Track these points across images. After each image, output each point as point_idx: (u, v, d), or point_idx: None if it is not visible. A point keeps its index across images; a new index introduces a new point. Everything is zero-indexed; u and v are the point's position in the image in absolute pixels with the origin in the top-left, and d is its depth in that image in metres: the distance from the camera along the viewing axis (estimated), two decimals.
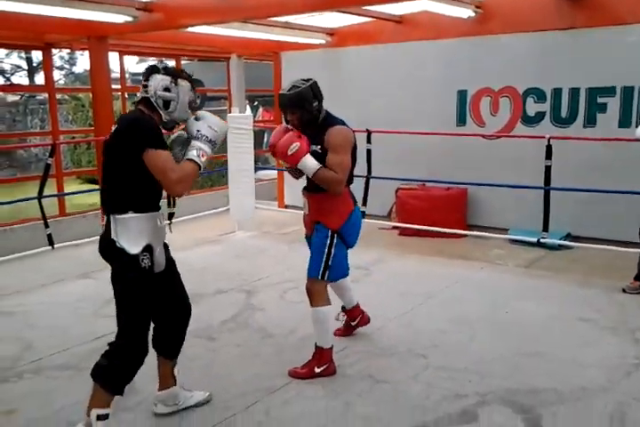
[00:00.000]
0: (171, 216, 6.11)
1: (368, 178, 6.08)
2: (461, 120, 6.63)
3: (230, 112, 7.00)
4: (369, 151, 6.05)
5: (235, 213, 6.74)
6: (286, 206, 7.98)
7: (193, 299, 4.49)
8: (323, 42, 7.35)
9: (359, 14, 6.42)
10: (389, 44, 6.93)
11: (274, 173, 8.72)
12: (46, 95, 7.06)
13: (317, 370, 3.28)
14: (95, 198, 6.69)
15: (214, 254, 5.98)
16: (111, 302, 3.77)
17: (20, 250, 5.41)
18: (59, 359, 3.52)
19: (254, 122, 6.97)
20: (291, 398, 3.07)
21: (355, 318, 3.84)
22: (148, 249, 2.60)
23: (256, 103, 13.63)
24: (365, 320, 3.87)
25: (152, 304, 2.70)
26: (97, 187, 6.55)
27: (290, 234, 6.69)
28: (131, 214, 2.55)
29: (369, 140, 6.07)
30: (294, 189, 7.91)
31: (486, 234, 6.03)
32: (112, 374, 2.61)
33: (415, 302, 4.45)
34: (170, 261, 2.89)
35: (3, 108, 14.54)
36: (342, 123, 3.38)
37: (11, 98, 15.30)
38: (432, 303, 4.46)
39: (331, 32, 7.32)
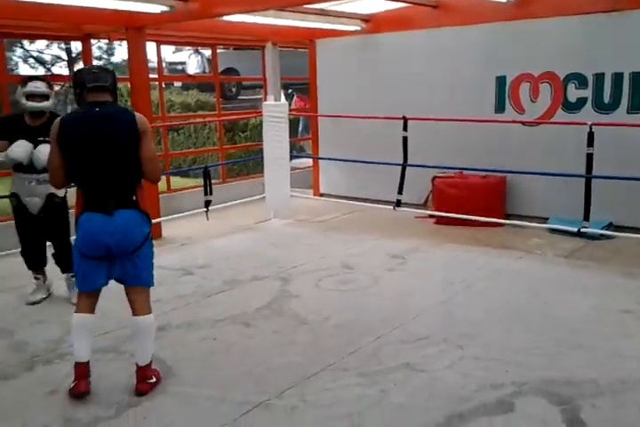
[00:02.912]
0: (208, 204, 6.25)
1: (404, 166, 6.03)
2: (500, 107, 6.49)
3: (265, 100, 7.01)
4: (405, 139, 6.00)
5: (270, 201, 6.78)
6: (321, 195, 7.99)
7: (230, 285, 4.65)
8: (358, 28, 7.28)
9: (396, 0, 6.34)
10: (426, 29, 6.82)
11: (309, 162, 8.73)
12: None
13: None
14: None
15: (250, 242, 6.03)
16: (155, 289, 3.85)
17: None
18: (100, 342, 3.60)
19: (289, 110, 6.96)
20: (326, 385, 3.09)
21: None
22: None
23: (290, 91, 13.61)
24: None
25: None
26: None
27: (325, 222, 6.71)
28: None
29: (405, 128, 6.01)
30: (330, 178, 7.94)
31: (525, 223, 5.93)
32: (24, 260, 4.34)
33: (452, 292, 4.42)
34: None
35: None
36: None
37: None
38: (469, 293, 4.41)
39: (366, 18, 7.24)
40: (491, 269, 4.92)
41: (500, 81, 6.48)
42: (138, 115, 3.03)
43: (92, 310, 3.06)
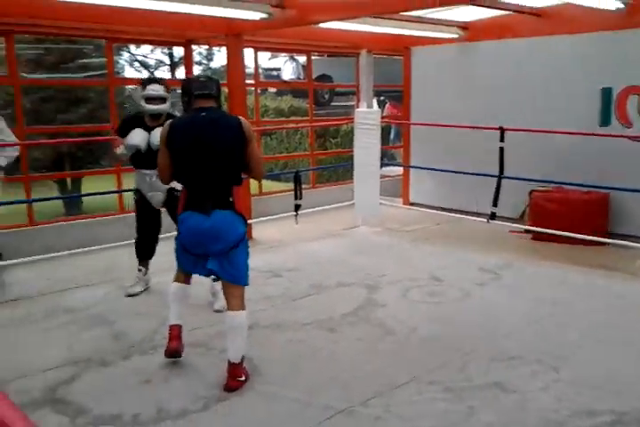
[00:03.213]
0: (297, 208, 6.32)
1: (500, 178, 5.86)
2: (605, 120, 6.17)
3: (358, 107, 7.02)
4: (502, 150, 5.83)
5: (359, 209, 6.77)
6: (411, 204, 7.90)
7: (316, 289, 4.68)
8: (455, 36, 7.16)
9: (495, 7, 6.18)
10: (528, 38, 6.61)
11: (399, 170, 8.66)
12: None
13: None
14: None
15: (338, 248, 6.04)
16: None
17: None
18: (190, 337, 3.72)
19: (381, 117, 6.94)
20: (411, 397, 3.03)
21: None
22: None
23: (383, 98, 13.58)
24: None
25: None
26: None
27: (414, 232, 6.62)
28: None
29: (502, 139, 5.84)
30: (420, 187, 7.84)
31: (631, 243, 5.56)
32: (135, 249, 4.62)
33: (547, 311, 4.23)
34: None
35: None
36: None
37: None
38: (565, 313, 4.21)
39: (464, 26, 7.11)
40: (590, 290, 4.67)
41: (606, 93, 6.16)
42: (243, 120, 3.17)
43: (188, 282, 3.42)
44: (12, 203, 6.67)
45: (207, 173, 3.08)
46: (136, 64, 21.36)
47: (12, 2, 4.49)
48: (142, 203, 4.48)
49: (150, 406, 2.94)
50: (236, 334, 3.16)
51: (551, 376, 3.24)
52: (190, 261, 3.24)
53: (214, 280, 3.45)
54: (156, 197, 4.35)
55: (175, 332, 3.36)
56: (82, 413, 2.89)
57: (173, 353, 3.33)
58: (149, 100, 4.19)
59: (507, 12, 6.42)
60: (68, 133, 8.79)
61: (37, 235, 5.69)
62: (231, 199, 3.17)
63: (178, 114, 4.31)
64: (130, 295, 4.57)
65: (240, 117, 3.21)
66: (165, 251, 4.41)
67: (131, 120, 4.42)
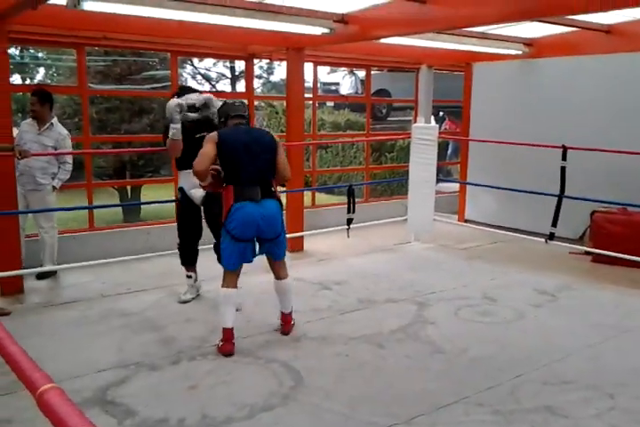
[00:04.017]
0: (349, 222, 6.31)
1: (561, 197, 5.68)
2: None
3: (415, 122, 6.98)
4: (563, 169, 5.65)
5: (412, 224, 6.70)
6: (466, 221, 7.76)
7: (365, 304, 4.64)
8: (519, 53, 7.04)
9: (561, 24, 6.03)
10: (595, 55, 6.43)
11: (455, 186, 8.54)
12: (246, 102, 7.61)
13: (217, 342, 3.76)
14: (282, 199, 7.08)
15: (388, 263, 5.99)
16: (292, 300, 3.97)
17: None
18: (240, 345, 3.76)
19: (439, 133, 6.88)
20: (458, 418, 2.96)
21: None
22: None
23: (441, 114, 13.49)
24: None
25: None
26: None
27: (468, 250, 6.50)
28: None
29: (564, 157, 5.67)
30: (477, 204, 7.70)
31: None
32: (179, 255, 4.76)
33: (605, 335, 4.06)
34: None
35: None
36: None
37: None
38: (625, 338, 4.03)
39: (529, 42, 6.99)
40: None
41: None
42: (273, 134, 4.00)
43: (236, 285, 3.81)
44: (74, 209, 6.93)
45: (254, 168, 3.72)
46: (198, 77, 21.96)
47: (85, 17, 4.68)
48: (185, 202, 4.60)
49: (196, 411, 2.97)
50: (288, 292, 4.01)
51: (606, 403, 3.10)
52: (239, 253, 3.73)
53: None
54: (197, 193, 4.48)
55: (228, 335, 3.72)
56: (130, 415, 2.94)
57: (226, 354, 3.67)
58: (191, 108, 4.44)
59: (573, 29, 6.27)
60: (131, 143, 9.09)
61: (97, 240, 5.89)
62: (273, 189, 3.83)
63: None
64: (182, 302, 4.66)
65: (271, 133, 4.06)
66: (210, 260, 4.50)
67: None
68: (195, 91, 4.63)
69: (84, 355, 3.65)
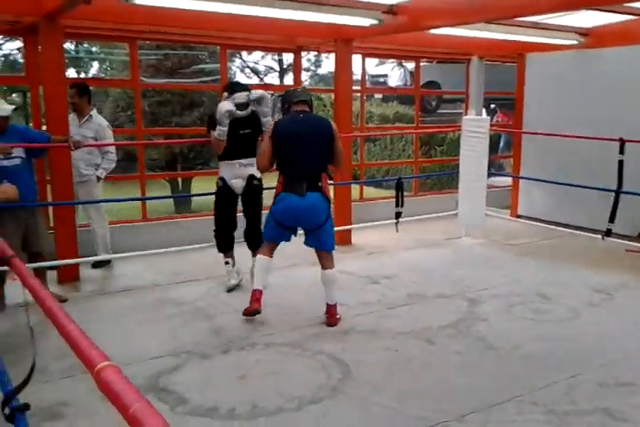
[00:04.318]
0: (398, 215, 6.25)
1: (618, 192, 5.47)
2: None
3: (466, 114, 6.85)
4: (621, 162, 5.45)
5: (463, 219, 6.58)
6: (519, 216, 7.57)
7: (414, 299, 4.59)
8: (574, 42, 6.82)
9: (620, 12, 5.80)
10: None
11: (508, 180, 8.35)
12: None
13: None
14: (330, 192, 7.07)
15: (439, 258, 5.90)
16: (340, 293, 3.98)
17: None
18: (289, 337, 3.78)
19: (490, 125, 6.72)
20: (511, 417, 2.89)
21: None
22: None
23: (493, 106, 13.20)
24: None
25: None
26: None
27: (520, 246, 6.34)
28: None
29: (622, 151, 5.47)
30: (530, 199, 7.51)
31: None
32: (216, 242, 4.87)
33: None
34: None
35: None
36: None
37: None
38: None
39: (584, 32, 6.75)
40: None
41: None
42: (331, 122, 4.12)
43: (270, 254, 4.08)
44: (126, 200, 7.10)
45: (304, 162, 3.88)
46: (247, 70, 22.13)
47: (137, 11, 4.76)
48: (224, 190, 4.72)
49: (245, 401, 2.99)
50: (332, 284, 4.05)
51: None
52: (279, 233, 4.03)
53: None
54: (238, 182, 4.65)
55: (258, 295, 3.99)
56: (181, 402, 2.99)
57: (253, 312, 3.97)
58: (238, 106, 4.53)
59: (631, 17, 6.03)
60: (182, 135, 9.24)
61: (149, 230, 6.00)
62: (320, 184, 3.93)
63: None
64: (229, 290, 4.74)
65: (329, 119, 4.20)
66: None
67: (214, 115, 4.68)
68: (245, 88, 4.68)
69: (137, 342, 3.73)
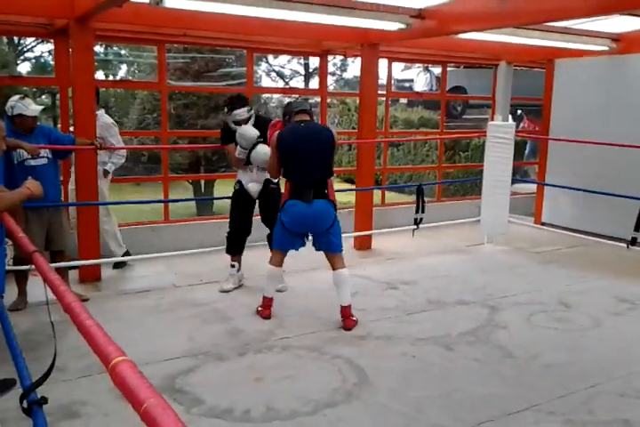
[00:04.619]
0: (417, 221, 6.21)
1: None
2: None
3: (492, 120, 6.79)
4: None
5: (485, 225, 6.51)
6: (543, 224, 7.47)
7: (433, 305, 4.55)
8: (606, 48, 6.70)
9: None
10: None
11: (532, 187, 8.25)
12: (318, 98, 7.63)
13: (258, 308, 4.22)
14: (351, 197, 7.06)
15: (460, 264, 5.85)
16: (355, 296, 4.02)
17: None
18: (306, 340, 3.78)
19: (516, 131, 6.65)
20: (528, 426, 2.86)
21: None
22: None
23: (520, 112, 13.08)
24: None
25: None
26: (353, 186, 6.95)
27: (544, 254, 6.26)
28: None
29: None
30: (555, 206, 7.41)
31: None
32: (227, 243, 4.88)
33: None
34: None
35: (282, 109, 16.24)
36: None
37: (287, 100, 17.05)
38: None
39: (616, 37, 6.64)
40: None
41: None
42: (334, 131, 4.15)
43: (280, 264, 4.20)
44: (148, 202, 7.17)
45: (308, 170, 3.98)
46: (272, 74, 22.25)
47: (167, 14, 4.81)
48: (241, 193, 4.80)
49: (261, 403, 3.00)
50: (345, 284, 4.07)
51: None
52: (288, 240, 4.11)
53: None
54: (254, 186, 4.75)
55: (268, 303, 4.19)
56: (197, 403, 3.00)
57: (266, 318, 4.16)
58: (235, 123, 4.66)
59: None
60: (206, 138, 9.32)
61: (171, 232, 6.06)
62: (326, 191, 4.02)
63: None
64: (223, 292, 4.78)
65: (331, 128, 4.25)
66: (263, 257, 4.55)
67: (227, 128, 4.78)
68: (245, 103, 4.72)
69: (155, 343, 3.75)
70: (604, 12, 4.77)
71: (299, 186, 4.00)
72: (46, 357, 1.89)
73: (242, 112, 4.65)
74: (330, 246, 4.09)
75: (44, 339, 3.44)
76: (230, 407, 2.96)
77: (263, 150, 4.48)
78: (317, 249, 4.15)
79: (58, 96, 6.37)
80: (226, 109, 4.79)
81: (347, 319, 4.02)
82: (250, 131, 4.55)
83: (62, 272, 4.28)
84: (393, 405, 3.02)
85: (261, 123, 4.66)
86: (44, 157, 4.26)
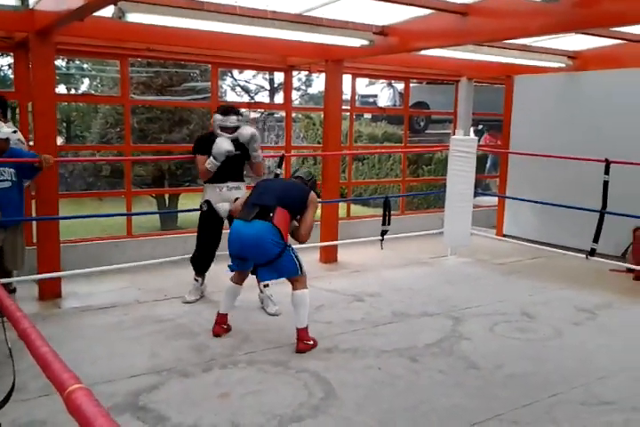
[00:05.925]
0: (383, 233, 6.27)
1: (602, 213, 5.52)
2: None
3: (454, 134, 6.92)
4: (606, 183, 5.51)
5: (448, 238, 6.60)
6: (504, 235, 7.61)
7: (399, 317, 4.58)
8: (563, 65, 6.93)
9: (608, 36, 5.91)
10: None
11: (494, 200, 8.41)
12: (283, 113, 7.66)
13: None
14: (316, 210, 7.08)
15: (424, 276, 5.91)
16: (321, 309, 4.03)
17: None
18: (271, 355, 3.75)
19: (478, 146, 6.79)
20: None
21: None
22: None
23: (480, 127, 13.35)
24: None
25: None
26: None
27: (506, 265, 6.37)
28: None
29: (607, 172, 5.53)
30: (516, 219, 7.56)
31: None
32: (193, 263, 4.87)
33: None
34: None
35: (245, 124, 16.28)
36: None
37: (253, 115, 17.07)
38: None
39: (573, 55, 6.87)
40: None
41: None
42: (312, 193, 4.11)
43: (238, 281, 4.10)
44: (111, 215, 7.05)
45: (263, 196, 3.92)
46: (237, 89, 22.27)
47: (127, 28, 4.79)
48: (209, 214, 4.76)
49: (226, 419, 2.96)
50: (302, 306, 3.86)
51: None
52: (236, 262, 3.94)
53: (265, 286, 4.63)
54: (224, 206, 4.67)
55: (221, 319, 4.11)
56: (161, 421, 2.95)
57: (216, 335, 4.06)
58: (223, 129, 4.65)
59: (619, 41, 6.14)
60: (170, 152, 9.24)
61: (134, 247, 5.97)
62: (271, 215, 3.76)
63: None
64: (186, 303, 4.83)
65: (311, 191, 4.09)
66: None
67: (206, 139, 4.77)
68: (237, 112, 4.75)
69: (119, 360, 3.68)
70: (560, 30, 4.93)
71: (247, 207, 3.90)
72: (3, 377, 1.84)
73: (233, 119, 4.65)
74: (284, 273, 3.87)
75: (1, 359, 3.34)
76: (195, 424, 2.92)
77: (223, 145, 4.54)
78: (265, 280, 4.23)
79: (17, 110, 6.23)
80: (219, 116, 4.68)
81: (299, 342, 3.84)
82: (224, 144, 4.54)
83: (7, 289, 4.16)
84: (359, 418, 3.02)
85: (242, 146, 4.68)
86: (7, 180, 4.18)
